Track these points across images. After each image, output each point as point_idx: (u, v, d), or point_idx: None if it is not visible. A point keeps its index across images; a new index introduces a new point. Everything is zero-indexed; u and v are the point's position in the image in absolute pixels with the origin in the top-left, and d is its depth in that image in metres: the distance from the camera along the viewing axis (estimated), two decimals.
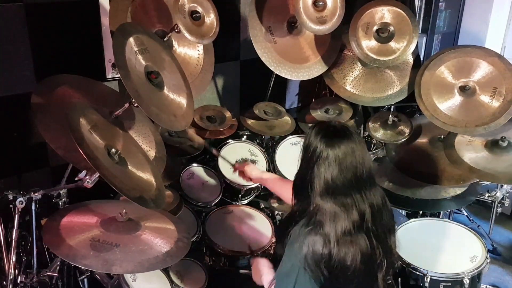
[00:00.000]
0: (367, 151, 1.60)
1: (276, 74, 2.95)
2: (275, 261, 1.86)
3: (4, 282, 1.92)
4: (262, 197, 2.94)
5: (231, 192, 2.78)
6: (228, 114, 3.04)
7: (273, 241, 2.47)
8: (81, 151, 1.59)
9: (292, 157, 2.88)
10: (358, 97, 3.09)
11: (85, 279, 2.11)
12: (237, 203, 2.77)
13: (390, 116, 3.04)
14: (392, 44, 2.90)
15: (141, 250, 1.75)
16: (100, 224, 1.81)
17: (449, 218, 3.06)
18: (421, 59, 3.86)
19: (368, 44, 2.90)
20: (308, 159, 1.58)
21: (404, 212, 3.02)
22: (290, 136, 3.06)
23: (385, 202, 1.64)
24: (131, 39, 2.00)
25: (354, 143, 1.55)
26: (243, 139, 3.04)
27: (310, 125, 3.18)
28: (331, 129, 1.59)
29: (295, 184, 1.70)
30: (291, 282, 1.55)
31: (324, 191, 1.54)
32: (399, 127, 3.04)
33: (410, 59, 3.08)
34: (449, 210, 3.08)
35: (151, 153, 2.25)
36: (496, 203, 3.23)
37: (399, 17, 2.90)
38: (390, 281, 1.73)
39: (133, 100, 1.90)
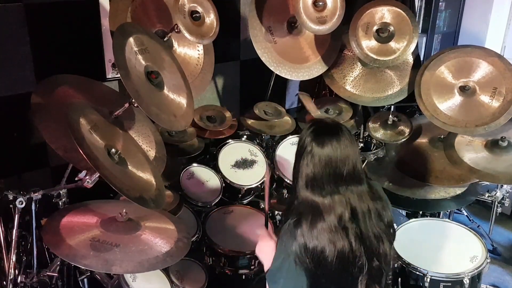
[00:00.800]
0: (355, 151, 1.59)
1: (276, 74, 2.95)
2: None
3: (4, 282, 1.92)
4: (262, 197, 2.94)
5: (231, 192, 2.78)
6: (228, 114, 3.04)
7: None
8: (81, 151, 1.60)
9: (292, 157, 2.91)
10: (358, 97, 3.10)
11: (85, 279, 2.11)
12: (237, 203, 2.77)
13: (390, 116, 3.04)
14: (392, 44, 2.90)
15: (141, 250, 1.75)
16: (100, 224, 1.81)
17: (449, 218, 3.06)
18: (421, 59, 3.87)
19: (368, 44, 2.90)
20: (297, 153, 1.62)
21: (404, 212, 3.02)
22: (290, 136, 3.06)
23: (379, 210, 1.61)
24: (131, 39, 2.00)
25: (339, 141, 1.56)
26: (243, 139, 3.04)
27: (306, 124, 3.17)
28: (322, 125, 1.63)
29: (293, 176, 1.71)
30: (282, 277, 1.57)
31: (305, 185, 1.57)
32: (399, 127, 3.04)
33: (410, 59, 3.08)
34: (449, 210, 3.08)
35: (151, 153, 2.25)
36: (496, 203, 3.23)
37: (399, 17, 2.90)
38: (390, 281, 1.72)
39: (133, 100, 1.90)
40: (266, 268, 1.72)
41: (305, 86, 3.81)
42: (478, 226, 3.33)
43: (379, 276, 1.61)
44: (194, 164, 2.78)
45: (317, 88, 3.69)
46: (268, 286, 1.64)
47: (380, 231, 1.60)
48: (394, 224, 1.70)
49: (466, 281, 2.16)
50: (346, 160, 1.55)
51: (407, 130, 3.01)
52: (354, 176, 1.57)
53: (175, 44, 2.55)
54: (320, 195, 1.55)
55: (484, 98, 2.72)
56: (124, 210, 1.84)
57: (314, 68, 3.04)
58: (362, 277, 1.58)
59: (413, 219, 2.59)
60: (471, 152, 2.72)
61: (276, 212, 2.77)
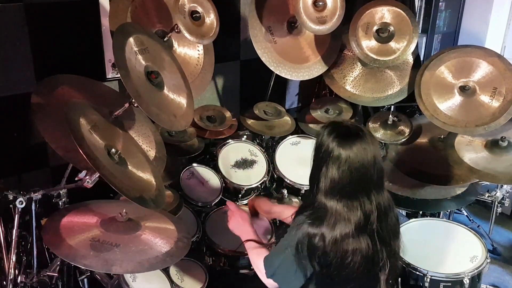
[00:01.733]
0: (379, 153, 1.59)
1: (276, 74, 2.95)
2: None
3: (4, 282, 1.92)
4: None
5: (231, 192, 2.78)
6: (228, 114, 3.04)
7: (273, 241, 2.47)
8: (81, 151, 1.60)
9: (292, 157, 2.92)
10: (358, 97, 3.09)
11: (85, 279, 2.11)
12: (237, 203, 2.77)
13: (390, 116, 3.04)
14: (392, 44, 2.90)
15: (141, 250, 1.75)
16: (100, 224, 1.81)
17: (449, 218, 3.06)
18: (421, 59, 3.87)
19: (368, 44, 2.90)
20: (319, 159, 1.58)
21: (404, 212, 3.02)
22: (290, 136, 3.06)
23: (392, 205, 1.64)
24: (131, 39, 2.00)
25: (366, 144, 1.55)
26: (243, 139, 3.04)
27: (310, 125, 3.17)
28: (344, 129, 1.59)
29: (309, 182, 1.70)
30: (278, 259, 1.62)
31: (329, 190, 1.54)
32: (399, 127, 3.04)
33: (410, 59, 3.08)
34: (449, 210, 3.08)
35: (151, 153, 2.25)
36: (496, 203, 3.23)
37: (399, 17, 2.90)
38: (390, 281, 1.73)
39: (133, 100, 1.90)
40: (244, 238, 1.87)
41: (305, 86, 3.81)
42: (478, 226, 3.33)
43: (394, 272, 1.63)
44: (194, 164, 2.78)
45: (317, 88, 3.69)
46: (264, 270, 1.70)
47: (394, 227, 1.62)
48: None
49: (466, 281, 2.16)
50: (375, 163, 1.55)
51: (407, 130, 3.01)
52: (381, 178, 1.58)
53: (175, 44, 2.55)
54: (348, 202, 1.53)
55: (484, 98, 2.72)
56: (124, 210, 1.84)
57: (314, 68, 3.03)
58: (383, 275, 1.59)
59: (413, 219, 2.59)
60: (471, 152, 2.72)
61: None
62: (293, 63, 2.96)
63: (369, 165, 1.53)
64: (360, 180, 1.54)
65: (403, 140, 2.99)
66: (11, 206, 1.85)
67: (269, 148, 3.17)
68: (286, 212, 2.13)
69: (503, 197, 3.23)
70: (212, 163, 2.85)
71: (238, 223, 1.98)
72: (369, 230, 1.54)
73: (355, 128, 1.60)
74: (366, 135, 1.57)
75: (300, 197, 2.79)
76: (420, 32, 3.58)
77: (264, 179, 2.82)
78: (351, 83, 3.11)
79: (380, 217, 1.56)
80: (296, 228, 1.58)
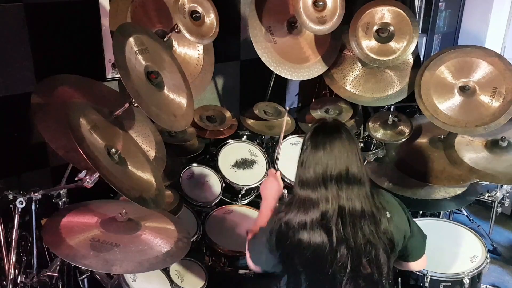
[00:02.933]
0: (354, 153, 1.57)
1: (276, 74, 2.95)
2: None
3: (4, 282, 1.92)
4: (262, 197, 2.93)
5: (231, 192, 2.78)
6: (228, 114, 3.04)
7: None
8: (81, 151, 1.60)
9: (292, 157, 2.91)
10: (358, 97, 3.10)
11: (85, 279, 2.11)
12: (237, 203, 2.77)
13: (390, 116, 3.04)
14: (392, 44, 2.90)
15: (141, 250, 1.75)
16: (100, 224, 1.81)
17: (449, 218, 3.06)
18: (421, 59, 3.86)
19: (368, 44, 2.90)
20: (300, 151, 1.65)
21: None
22: (290, 136, 3.06)
23: (374, 213, 1.60)
24: (131, 39, 2.00)
25: (333, 143, 1.56)
26: (243, 139, 3.04)
27: (310, 125, 3.18)
28: (322, 125, 1.65)
29: None
30: (260, 242, 1.70)
31: (298, 182, 1.61)
32: (399, 127, 3.04)
33: (410, 59, 3.08)
34: (449, 210, 3.08)
35: (151, 153, 2.25)
36: (496, 203, 3.23)
37: (399, 17, 2.90)
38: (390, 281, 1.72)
39: (133, 100, 1.90)
40: (262, 205, 1.87)
41: (305, 86, 3.81)
42: (478, 226, 3.32)
43: (371, 284, 1.60)
44: (194, 164, 2.78)
45: (317, 88, 3.70)
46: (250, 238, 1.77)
47: (373, 238, 1.57)
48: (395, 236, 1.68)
49: (466, 281, 2.16)
50: (338, 162, 1.56)
51: (407, 130, 3.01)
52: (347, 178, 1.56)
53: (175, 44, 2.55)
54: (310, 193, 1.58)
55: (484, 98, 2.72)
56: (124, 210, 1.84)
57: (314, 68, 3.04)
58: (346, 280, 1.57)
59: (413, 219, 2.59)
60: (471, 152, 2.72)
61: None
62: (293, 63, 2.96)
63: (331, 162, 1.55)
64: (321, 176, 1.56)
65: (403, 140, 2.99)
66: (11, 206, 1.85)
67: (269, 148, 3.17)
68: None
69: (503, 197, 3.23)
70: (212, 163, 2.86)
71: (270, 190, 1.93)
72: (325, 228, 1.54)
73: (331, 125, 1.63)
74: (341, 136, 1.58)
75: None
76: (420, 32, 3.58)
77: (264, 179, 2.82)
78: (351, 83, 3.12)
79: (343, 218, 1.55)
80: (273, 220, 1.66)
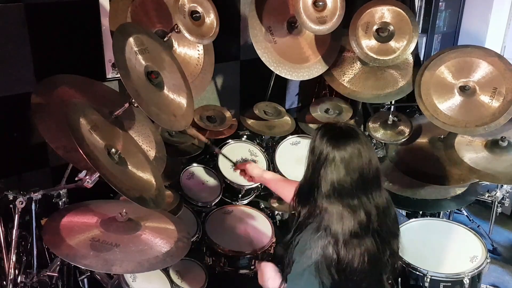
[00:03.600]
0: (374, 152, 1.60)
1: (276, 74, 2.95)
2: (275, 261, 1.87)
3: (4, 282, 1.92)
4: (262, 197, 2.94)
5: (231, 192, 2.78)
6: (228, 114, 3.04)
7: (273, 241, 2.48)
8: (81, 151, 1.59)
9: (292, 157, 2.92)
10: (358, 94, 3.07)
11: (85, 279, 2.11)
12: (237, 203, 2.77)
13: (390, 116, 3.04)
14: (392, 43, 2.90)
15: (141, 250, 1.75)
16: (100, 224, 1.81)
17: (449, 218, 3.06)
18: (421, 59, 3.87)
19: (368, 43, 2.90)
20: (315, 162, 1.57)
21: (404, 212, 3.02)
22: (290, 136, 3.06)
23: (390, 205, 1.64)
24: (131, 39, 2.00)
25: (360, 144, 1.54)
26: (243, 139, 3.04)
27: (310, 125, 3.17)
28: (337, 131, 1.59)
29: (301, 188, 1.69)
30: (300, 285, 1.56)
31: (330, 193, 1.53)
32: (399, 127, 3.04)
33: (411, 59, 3.08)
34: (449, 210, 3.08)
35: (151, 153, 2.25)
36: (496, 203, 3.23)
37: (399, 17, 2.90)
38: (390, 281, 1.73)
39: (133, 100, 1.90)
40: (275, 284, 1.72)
41: (305, 86, 3.81)
42: (478, 226, 3.32)
43: (394, 271, 1.65)
44: (194, 164, 2.78)
45: (317, 88, 3.69)
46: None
47: (394, 227, 1.63)
48: None
49: (466, 281, 2.16)
50: (370, 163, 1.54)
51: (407, 130, 3.01)
52: (378, 177, 1.57)
53: (175, 44, 2.55)
54: (348, 202, 1.52)
55: (484, 98, 2.72)
56: (124, 210, 1.84)
57: (314, 68, 3.03)
58: (385, 275, 1.59)
59: (413, 219, 2.59)
60: (471, 152, 2.72)
61: (276, 212, 2.77)
62: (293, 63, 2.96)
63: (364, 164, 1.53)
64: (358, 180, 1.53)
65: (403, 140, 2.99)
66: (11, 206, 1.85)
67: (269, 148, 3.17)
68: (286, 190, 2.03)
69: (503, 197, 3.23)
70: (212, 163, 2.85)
71: (265, 274, 1.81)
72: (371, 230, 1.54)
73: (348, 129, 1.60)
74: (359, 135, 1.57)
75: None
76: (420, 32, 3.58)
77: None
78: (351, 80, 3.11)
79: (380, 217, 1.56)
80: (309, 250, 1.54)
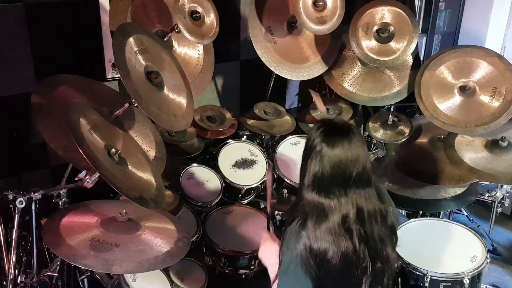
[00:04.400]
0: (365, 152, 1.58)
1: (276, 74, 2.95)
2: None
3: (4, 282, 1.92)
4: (262, 197, 2.94)
5: (231, 192, 2.78)
6: (228, 114, 3.04)
7: None
8: (81, 151, 1.60)
9: (292, 157, 2.92)
10: (355, 96, 3.09)
11: (85, 279, 2.11)
12: (237, 203, 2.77)
13: (390, 116, 3.04)
14: (392, 44, 2.90)
15: (141, 250, 1.75)
16: (100, 224, 1.81)
17: (449, 218, 3.06)
18: (421, 59, 3.86)
19: (368, 44, 2.90)
20: (305, 153, 1.59)
21: (404, 212, 3.02)
22: (290, 136, 3.06)
23: (383, 212, 1.61)
24: (131, 39, 2.00)
25: (350, 142, 1.54)
26: (243, 139, 3.04)
27: (310, 125, 3.18)
28: (332, 126, 1.60)
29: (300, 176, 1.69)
30: (288, 278, 1.56)
31: (312, 186, 1.55)
32: (399, 127, 3.04)
33: (410, 60, 3.08)
34: (449, 210, 3.08)
35: (151, 153, 2.25)
36: (496, 203, 3.23)
37: (399, 17, 2.90)
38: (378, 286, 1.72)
39: (133, 100, 1.90)
40: (270, 272, 1.70)
41: (305, 86, 3.81)
42: (478, 226, 3.32)
43: (382, 278, 1.61)
44: (194, 164, 2.78)
45: (317, 88, 3.69)
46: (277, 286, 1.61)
47: (384, 234, 1.59)
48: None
49: (466, 281, 2.16)
50: (356, 162, 1.54)
51: (407, 130, 3.01)
52: (363, 177, 1.56)
53: (175, 44, 2.55)
54: (326, 196, 1.53)
55: (484, 98, 2.72)
56: (124, 210, 1.84)
57: (314, 68, 3.03)
58: (366, 278, 1.57)
59: (413, 219, 2.59)
60: (471, 152, 2.72)
61: (276, 212, 2.77)
62: (293, 63, 2.96)
63: (349, 162, 1.53)
64: (340, 177, 1.53)
65: (403, 140, 2.99)
66: (11, 206, 1.85)
67: (269, 148, 3.17)
68: None
69: (503, 197, 3.23)
70: (212, 163, 2.85)
71: (269, 256, 1.76)
72: (347, 229, 1.54)
73: (343, 126, 1.60)
74: (355, 135, 1.57)
75: None
76: (420, 32, 3.58)
77: (264, 179, 2.82)
78: (349, 81, 3.11)
79: (362, 218, 1.55)
80: (292, 240, 1.55)
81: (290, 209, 1.68)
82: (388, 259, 1.62)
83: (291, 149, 2.99)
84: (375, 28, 2.90)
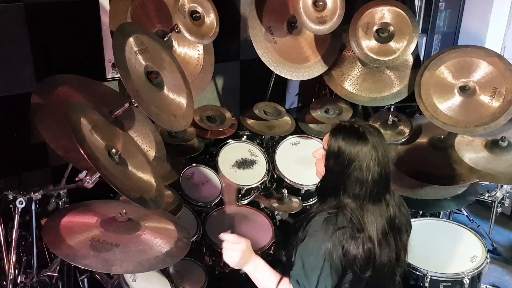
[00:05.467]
0: (387, 144, 1.63)
1: (276, 74, 2.95)
2: (274, 261, 1.86)
3: (4, 282, 1.92)
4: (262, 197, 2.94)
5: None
6: (228, 114, 3.04)
7: (273, 241, 2.47)
8: (82, 151, 1.59)
9: (292, 157, 2.92)
10: (355, 96, 3.09)
11: (85, 279, 2.11)
12: (237, 203, 2.77)
13: (390, 116, 3.04)
14: (392, 44, 2.90)
15: (141, 250, 1.75)
16: (100, 224, 1.81)
17: (449, 218, 3.06)
18: (421, 59, 3.86)
19: (368, 44, 2.90)
20: (344, 165, 1.57)
21: None
22: (290, 136, 3.06)
23: (401, 198, 1.68)
24: (131, 39, 2.00)
25: (378, 140, 1.58)
26: (243, 139, 3.04)
27: (310, 125, 3.17)
28: (360, 131, 1.60)
29: (322, 192, 1.71)
30: (316, 274, 1.52)
31: (360, 194, 1.56)
32: (399, 127, 3.04)
33: (410, 60, 3.08)
34: (449, 210, 3.08)
35: (151, 153, 2.25)
36: (496, 203, 3.23)
37: (399, 17, 2.90)
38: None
39: (133, 100, 1.90)
40: (251, 269, 1.69)
41: (305, 86, 3.81)
42: (478, 226, 3.33)
43: (403, 267, 1.67)
44: (194, 164, 2.78)
45: (317, 88, 3.70)
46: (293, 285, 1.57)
47: (406, 223, 1.65)
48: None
49: (466, 281, 2.16)
50: (388, 156, 1.58)
51: (407, 130, 3.01)
52: (392, 171, 1.61)
53: (175, 44, 2.55)
54: (377, 201, 1.56)
55: (484, 98, 2.72)
56: (124, 210, 1.84)
57: (314, 68, 3.03)
58: (398, 269, 1.64)
59: (413, 219, 2.58)
60: (471, 152, 2.72)
61: (276, 212, 2.77)
62: (293, 63, 2.96)
63: (386, 159, 1.57)
64: (382, 177, 1.56)
65: (403, 140, 2.99)
66: (11, 206, 1.85)
67: (269, 148, 3.17)
68: None
69: (503, 197, 3.23)
70: (212, 163, 2.85)
71: (237, 257, 1.69)
72: (395, 227, 1.57)
73: (366, 126, 1.62)
74: (376, 131, 1.61)
75: (300, 198, 2.80)
76: (420, 32, 3.58)
77: (264, 179, 2.82)
78: (349, 81, 3.11)
79: (398, 213, 1.60)
80: (321, 231, 1.53)
81: (315, 210, 1.67)
82: (406, 248, 1.67)
83: (291, 149, 2.99)
84: (375, 28, 2.90)
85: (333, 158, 1.61)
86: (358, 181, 1.55)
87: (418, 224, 2.56)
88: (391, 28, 2.90)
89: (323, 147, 1.68)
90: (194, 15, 2.39)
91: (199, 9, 2.43)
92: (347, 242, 1.51)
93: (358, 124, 1.63)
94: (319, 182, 1.72)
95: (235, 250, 1.66)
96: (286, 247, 1.71)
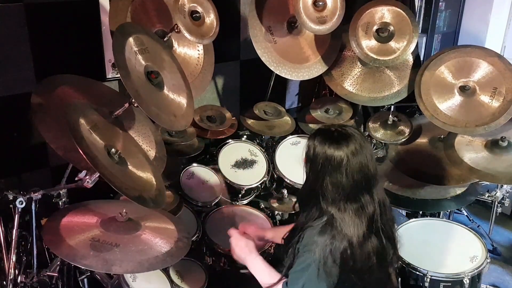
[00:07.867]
0: (370, 146, 1.63)
1: (276, 74, 2.95)
2: (275, 261, 1.86)
3: (4, 282, 1.92)
4: (262, 197, 2.94)
5: (231, 192, 2.78)
6: (228, 114, 3.04)
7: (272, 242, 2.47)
8: (80, 151, 1.59)
9: (292, 157, 2.92)
10: (355, 96, 3.09)
11: (85, 279, 2.11)
12: (237, 203, 2.77)
13: (390, 116, 3.04)
14: (392, 44, 2.90)
15: (141, 250, 1.75)
16: (100, 224, 1.81)
17: (449, 218, 3.06)
18: (421, 59, 3.86)
19: (368, 44, 2.90)
20: (318, 169, 1.58)
21: (404, 212, 3.02)
22: (290, 136, 3.06)
23: (386, 197, 1.67)
24: (131, 39, 2.00)
25: (358, 142, 1.57)
26: (243, 139, 3.04)
27: (310, 125, 3.17)
28: (335, 134, 1.60)
29: (302, 197, 1.72)
30: (302, 280, 1.57)
31: (336, 197, 1.56)
32: (399, 127, 3.04)
33: (410, 60, 3.08)
34: (449, 210, 3.07)
35: (151, 153, 2.25)
36: (496, 203, 3.22)
37: (399, 17, 2.90)
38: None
39: (133, 100, 1.90)
40: (252, 265, 1.73)
41: (305, 86, 3.81)
42: (478, 226, 3.32)
43: (398, 260, 1.71)
44: (194, 164, 2.78)
45: (317, 88, 3.70)
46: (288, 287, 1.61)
47: (391, 216, 1.66)
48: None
49: (466, 281, 2.16)
50: (372, 158, 1.58)
51: (407, 130, 3.01)
52: (376, 171, 1.60)
53: (175, 44, 2.55)
54: (354, 204, 1.56)
55: (484, 98, 2.72)
56: (124, 210, 1.84)
57: (314, 68, 3.04)
58: (392, 268, 1.62)
59: (413, 219, 2.59)
60: (471, 152, 2.72)
61: (276, 212, 2.77)
62: (293, 63, 2.96)
63: (368, 161, 1.56)
64: (362, 180, 1.56)
65: (403, 140, 2.99)
66: (11, 206, 1.85)
67: (269, 148, 3.17)
68: (278, 234, 2.05)
69: (503, 197, 3.23)
70: (212, 163, 2.85)
71: (244, 252, 1.82)
72: (375, 228, 1.56)
73: (344, 130, 1.61)
74: (355, 134, 1.59)
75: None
76: (420, 32, 3.58)
77: (264, 179, 2.82)
78: (349, 81, 3.12)
79: (382, 212, 1.59)
80: (313, 245, 1.56)
81: (304, 220, 1.67)
82: (396, 242, 1.68)
83: (291, 149, 2.99)
84: (375, 27, 2.90)
85: (309, 163, 1.63)
86: (334, 184, 1.56)
87: (418, 224, 2.56)
88: (391, 28, 2.90)
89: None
90: (194, 15, 2.40)
91: (199, 9, 2.43)
92: (331, 245, 1.54)
93: (335, 128, 1.63)
94: (302, 188, 1.73)
95: (243, 240, 1.78)
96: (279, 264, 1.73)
